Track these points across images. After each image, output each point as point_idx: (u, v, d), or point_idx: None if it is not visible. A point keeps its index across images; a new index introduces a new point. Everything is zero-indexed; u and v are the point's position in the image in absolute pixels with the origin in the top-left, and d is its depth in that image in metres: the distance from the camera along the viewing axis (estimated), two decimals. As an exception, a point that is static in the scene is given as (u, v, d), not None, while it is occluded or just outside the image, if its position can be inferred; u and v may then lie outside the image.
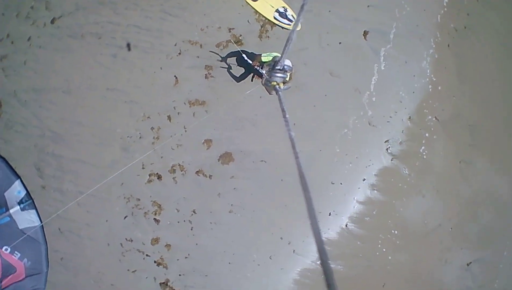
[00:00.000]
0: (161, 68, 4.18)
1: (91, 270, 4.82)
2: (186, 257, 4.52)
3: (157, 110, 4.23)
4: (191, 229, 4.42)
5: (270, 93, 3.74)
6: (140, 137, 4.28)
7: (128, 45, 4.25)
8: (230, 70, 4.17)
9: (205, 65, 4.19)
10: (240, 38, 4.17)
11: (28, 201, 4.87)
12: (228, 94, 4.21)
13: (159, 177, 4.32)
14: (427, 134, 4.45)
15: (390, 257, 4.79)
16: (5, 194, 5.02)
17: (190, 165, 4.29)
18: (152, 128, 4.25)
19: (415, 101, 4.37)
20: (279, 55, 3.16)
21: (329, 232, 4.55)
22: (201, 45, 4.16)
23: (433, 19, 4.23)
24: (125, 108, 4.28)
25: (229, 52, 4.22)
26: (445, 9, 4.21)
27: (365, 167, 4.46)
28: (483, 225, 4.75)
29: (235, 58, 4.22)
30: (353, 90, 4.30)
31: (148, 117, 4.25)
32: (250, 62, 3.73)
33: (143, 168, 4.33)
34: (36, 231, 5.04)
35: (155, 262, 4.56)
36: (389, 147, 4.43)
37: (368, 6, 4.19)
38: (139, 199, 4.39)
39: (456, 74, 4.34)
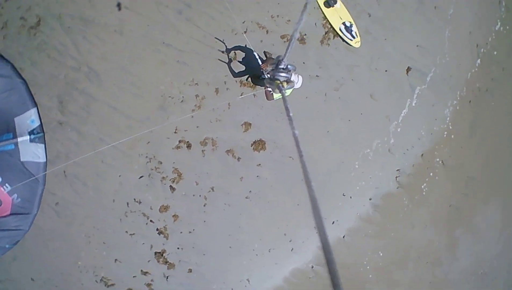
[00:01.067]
0: (223, 40, 4.26)
1: (86, 223, 4.63)
2: (190, 232, 4.54)
3: (207, 79, 4.30)
4: (204, 205, 4.47)
5: (269, 99, 3.99)
6: (181, 101, 4.30)
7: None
8: (230, 64, 4.32)
9: (264, 51, 4.36)
10: (304, 36, 4.42)
11: (39, 134, 4.54)
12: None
13: (189, 146, 4.34)
14: (431, 174, 5.03)
15: (370, 276, 5.16)
16: (16, 119, 4.63)
17: (223, 143, 4.38)
18: (197, 96, 4.29)
19: (431, 142, 4.95)
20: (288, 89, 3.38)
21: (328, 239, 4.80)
22: (267, 31, 4.36)
23: (465, 74, 4.91)
24: (175, 68, 4.30)
25: (236, 45, 4.35)
26: (476, 69, 4.89)
27: (375, 188, 4.89)
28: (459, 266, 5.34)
29: (242, 53, 4.35)
30: (384, 116, 4.76)
31: (196, 84, 4.30)
32: (260, 63, 3.80)
33: (175, 132, 4.33)
34: (37, 168, 4.68)
35: (157, 230, 4.51)
36: (398, 176, 4.91)
37: (417, 45, 4.74)
38: (161, 163, 4.35)
39: (469, 128, 5.02)
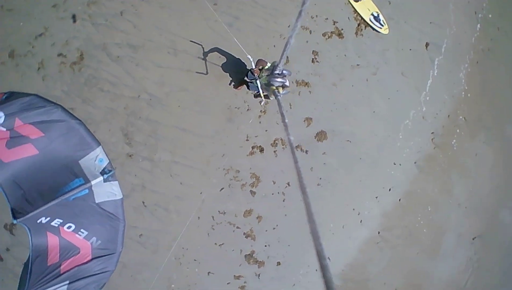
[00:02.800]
0: (274, 46, 4.62)
1: (174, 246, 4.75)
2: (274, 228, 4.97)
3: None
4: (283, 201, 4.92)
5: (266, 97, 3.93)
6: (248, 110, 4.62)
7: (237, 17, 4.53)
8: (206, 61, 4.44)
9: (313, 50, 4.81)
10: (341, 31, 4.91)
11: (111, 172, 4.59)
12: (331, 78, 4.88)
13: (261, 150, 4.72)
14: (458, 130, 5.92)
15: (424, 230, 5.94)
16: (81, 162, 4.61)
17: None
18: (260, 102, 4.59)
19: (453, 104, 5.84)
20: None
21: (386, 206, 5.50)
22: (310, 31, 4.80)
23: (470, 40, 5.87)
24: None
25: (214, 47, 4.56)
26: (478, 33, 5.84)
27: (417, 152, 5.68)
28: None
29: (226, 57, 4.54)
30: (414, 89, 5.51)
31: None
32: (254, 67, 3.91)
33: (247, 140, 4.69)
34: (115, 206, 4.72)
35: (244, 234, 4.90)
36: (433, 138, 5.74)
37: (430, 22, 5.54)
38: (238, 171, 4.69)
39: (480, 85, 5.98)
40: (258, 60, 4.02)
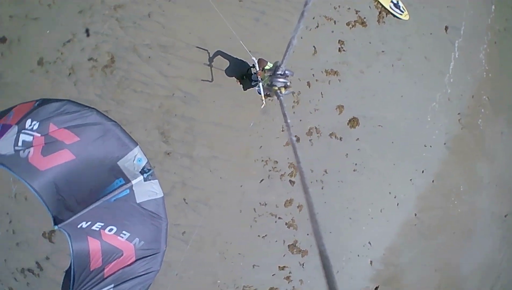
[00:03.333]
0: (301, 38, 4.71)
1: (217, 242, 4.89)
2: (314, 216, 4.94)
3: (298, 76, 4.77)
4: (322, 189, 5.01)
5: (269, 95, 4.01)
6: None
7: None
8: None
9: (338, 40, 4.92)
10: (364, 20, 5.03)
11: (150, 171, 4.58)
12: (358, 66, 4.98)
13: (298, 139, 4.81)
14: (482, 110, 6.04)
15: (459, 210, 5.97)
16: (119, 163, 4.61)
17: (324, 128, 4.95)
18: (293, 93, 4.71)
19: (476, 84, 5.97)
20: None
21: (421, 188, 5.57)
22: (334, 22, 4.95)
23: (486, 21, 6.01)
24: None
25: (218, 51, 4.66)
26: (493, 14, 5.98)
27: (445, 134, 5.78)
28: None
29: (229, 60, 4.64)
30: (438, 72, 5.65)
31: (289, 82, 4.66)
32: (257, 68, 3.96)
33: (282, 130, 4.74)
34: (157, 204, 4.73)
35: (286, 224, 4.95)
36: (460, 119, 5.83)
37: (447, 6, 5.69)
38: (276, 162, 4.77)
39: (500, 64, 6.13)
40: (259, 60, 4.05)
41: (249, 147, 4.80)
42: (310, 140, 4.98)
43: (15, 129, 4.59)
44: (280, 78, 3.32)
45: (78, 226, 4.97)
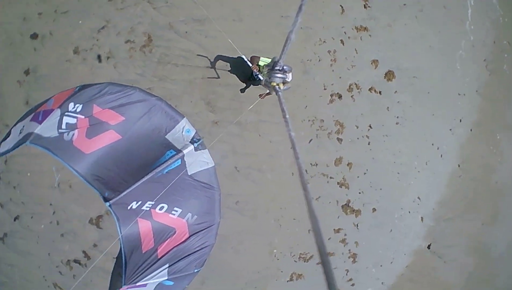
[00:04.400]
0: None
1: (272, 208, 5.02)
2: (364, 173, 5.21)
3: (331, 35, 5.05)
4: (368, 144, 5.20)
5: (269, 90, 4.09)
6: (319, 60, 4.93)
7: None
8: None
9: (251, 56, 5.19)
10: None
11: (200, 140, 4.69)
12: (385, 20, 5.26)
13: (340, 97, 5.04)
14: (505, 55, 6.34)
15: (499, 159, 6.19)
16: (168, 136, 4.72)
17: (364, 83, 5.19)
18: (329, 51, 5.02)
19: (495, 30, 6.30)
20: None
21: (461, 138, 5.77)
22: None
23: None
24: (301, 34, 5.05)
25: (219, 55, 4.87)
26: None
27: (476, 81, 6.02)
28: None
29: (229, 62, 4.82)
30: (459, 20, 5.99)
31: (324, 42, 5.04)
32: (250, 64, 4.12)
33: (324, 89, 4.96)
34: (209, 174, 4.80)
35: (338, 183, 5.10)
36: (487, 65, 6.13)
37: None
38: (322, 120, 4.98)
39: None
40: (251, 57, 4.21)
41: (295, 107, 4.99)
42: (351, 96, 5.20)
43: (57, 112, 4.68)
44: (278, 73, 3.40)
45: (128, 207, 5.03)
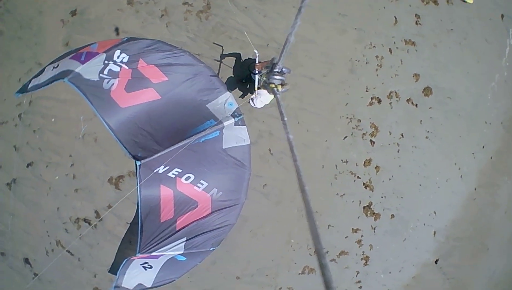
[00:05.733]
0: (384, 7, 5.50)
1: (297, 197, 5.28)
2: (389, 179, 5.59)
3: (381, 41, 5.49)
4: (398, 152, 5.60)
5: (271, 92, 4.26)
6: (366, 63, 5.31)
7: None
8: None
9: (415, 13, 5.72)
10: (437, -2, 5.87)
11: (240, 116, 4.85)
12: (432, 39, 5.74)
13: (379, 101, 5.43)
14: None
15: None
16: (209, 106, 4.88)
17: (403, 94, 5.64)
18: (377, 56, 5.44)
19: None
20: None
21: (481, 163, 6.28)
22: None
23: None
24: (354, 34, 5.42)
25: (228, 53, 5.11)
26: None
27: (503, 113, 6.59)
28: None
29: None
30: (497, 55, 6.54)
31: (374, 46, 5.47)
32: (257, 60, 4.36)
33: (366, 90, 5.34)
34: (243, 152, 4.98)
35: (363, 184, 5.41)
36: None
37: (503, -5, 6.67)
38: (359, 120, 5.33)
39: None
40: (262, 62, 4.38)
41: (336, 103, 5.34)
42: (390, 103, 5.60)
43: (102, 56, 4.73)
44: (277, 75, 3.50)
45: (155, 170, 5.08)
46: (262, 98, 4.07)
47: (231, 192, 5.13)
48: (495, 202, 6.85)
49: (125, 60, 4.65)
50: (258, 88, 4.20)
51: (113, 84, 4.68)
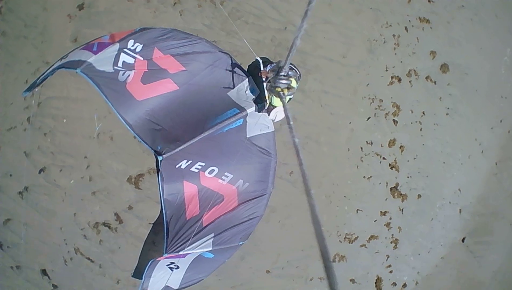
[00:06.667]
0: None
1: (324, 183, 5.31)
2: (414, 158, 5.65)
3: (397, 20, 5.59)
4: (420, 130, 5.67)
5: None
6: (384, 42, 5.38)
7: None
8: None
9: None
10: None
11: (262, 103, 4.79)
12: (445, 17, 5.83)
13: (399, 80, 5.51)
14: None
15: None
16: (230, 94, 4.78)
17: (421, 71, 5.73)
18: (394, 35, 5.52)
19: None
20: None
21: (500, 137, 6.41)
22: None
23: None
24: (371, 14, 5.47)
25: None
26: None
27: None
28: None
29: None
30: (507, 29, 6.69)
31: (390, 25, 5.53)
32: (261, 67, 4.47)
33: (386, 70, 5.39)
34: (268, 139, 4.90)
35: (389, 165, 5.46)
36: None
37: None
38: (381, 100, 5.38)
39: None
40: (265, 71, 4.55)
41: (357, 84, 5.37)
42: (409, 82, 5.66)
43: (116, 46, 4.48)
44: (283, 79, 3.52)
45: (177, 166, 4.97)
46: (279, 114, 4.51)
47: (258, 183, 5.05)
48: (515, 175, 7.03)
49: (139, 49, 4.44)
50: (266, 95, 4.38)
51: (129, 75, 4.48)
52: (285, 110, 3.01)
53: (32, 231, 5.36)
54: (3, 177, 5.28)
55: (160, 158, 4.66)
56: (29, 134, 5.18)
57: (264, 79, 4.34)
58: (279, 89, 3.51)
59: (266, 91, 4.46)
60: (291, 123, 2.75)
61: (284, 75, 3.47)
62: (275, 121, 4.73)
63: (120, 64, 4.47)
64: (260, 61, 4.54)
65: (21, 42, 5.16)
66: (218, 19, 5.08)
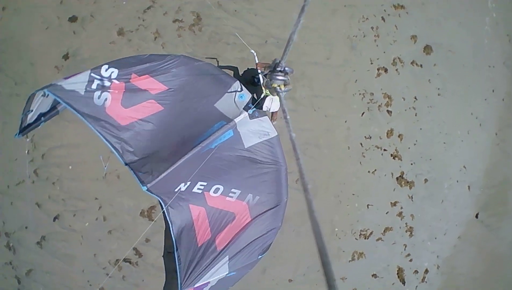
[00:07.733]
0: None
1: (331, 184, 5.44)
2: (414, 144, 5.83)
3: (372, 12, 5.76)
4: (415, 115, 5.86)
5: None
6: (364, 36, 5.58)
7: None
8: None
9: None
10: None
11: (255, 108, 4.59)
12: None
13: (386, 70, 5.68)
14: None
15: None
16: (217, 105, 4.59)
17: (406, 57, 5.92)
18: (372, 28, 5.73)
19: None
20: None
21: (495, 107, 6.56)
22: None
23: None
24: (346, 11, 5.72)
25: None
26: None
27: (502, 53, 6.91)
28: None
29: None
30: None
31: (367, 19, 5.76)
32: (256, 60, 4.55)
33: (371, 63, 5.59)
34: (271, 146, 4.76)
35: (391, 155, 5.64)
36: (510, 40, 7.04)
37: None
38: (372, 93, 5.57)
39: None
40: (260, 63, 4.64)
41: (346, 82, 5.59)
42: (396, 70, 5.85)
43: (87, 72, 4.17)
44: (279, 75, 3.63)
45: (176, 190, 4.71)
46: (274, 103, 4.32)
47: (269, 194, 4.81)
48: (518, 142, 7.16)
49: (114, 75, 4.24)
50: (263, 85, 4.29)
51: (106, 99, 4.24)
52: (282, 106, 3.12)
53: (56, 278, 5.58)
54: (19, 230, 5.54)
55: (144, 188, 4.23)
56: (38, 185, 5.44)
57: (259, 72, 4.40)
58: (276, 85, 3.67)
59: (262, 80, 4.40)
60: (288, 117, 2.88)
61: (280, 71, 3.61)
62: (270, 110, 4.45)
63: (94, 86, 4.18)
64: (255, 54, 4.56)
65: (14, 100, 5.43)
66: (199, 45, 5.33)
